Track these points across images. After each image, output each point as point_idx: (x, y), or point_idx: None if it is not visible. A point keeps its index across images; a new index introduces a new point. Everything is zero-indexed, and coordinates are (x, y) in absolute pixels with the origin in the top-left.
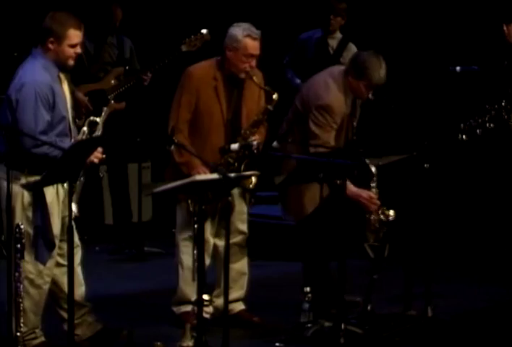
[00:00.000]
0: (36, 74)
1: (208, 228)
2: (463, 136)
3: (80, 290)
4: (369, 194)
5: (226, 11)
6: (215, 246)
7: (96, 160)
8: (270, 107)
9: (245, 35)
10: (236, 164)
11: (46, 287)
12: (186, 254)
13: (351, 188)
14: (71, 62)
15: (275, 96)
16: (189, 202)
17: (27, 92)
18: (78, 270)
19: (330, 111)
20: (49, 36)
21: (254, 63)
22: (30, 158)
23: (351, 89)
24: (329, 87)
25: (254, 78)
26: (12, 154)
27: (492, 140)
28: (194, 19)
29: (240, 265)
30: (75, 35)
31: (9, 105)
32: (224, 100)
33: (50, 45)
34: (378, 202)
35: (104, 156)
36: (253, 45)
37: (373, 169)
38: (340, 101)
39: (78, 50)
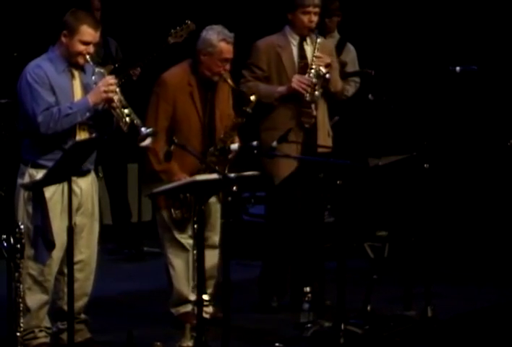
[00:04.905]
0: (35, 62)
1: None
2: None
3: (81, 302)
4: (297, 79)
5: (218, 7)
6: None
7: (111, 95)
8: (248, 109)
9: (220, 39)
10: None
11: (48, 285)
12: (174, 256)
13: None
14: (80, 60)
15: (253, 98)
16: (172, 210)
17: (23, 76)
18: (89, 282)
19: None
20: (63, 28)
21: (228, 66)
22: (38, 134)
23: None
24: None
25: (229, 80)
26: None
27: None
28: (177, 11)
29: (209, 268)
30: (88, 33)
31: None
32: (200, 105)
33: (63, 38)
34: (306, 81)
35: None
36: (228, 49)
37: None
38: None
39: (90, 49)
